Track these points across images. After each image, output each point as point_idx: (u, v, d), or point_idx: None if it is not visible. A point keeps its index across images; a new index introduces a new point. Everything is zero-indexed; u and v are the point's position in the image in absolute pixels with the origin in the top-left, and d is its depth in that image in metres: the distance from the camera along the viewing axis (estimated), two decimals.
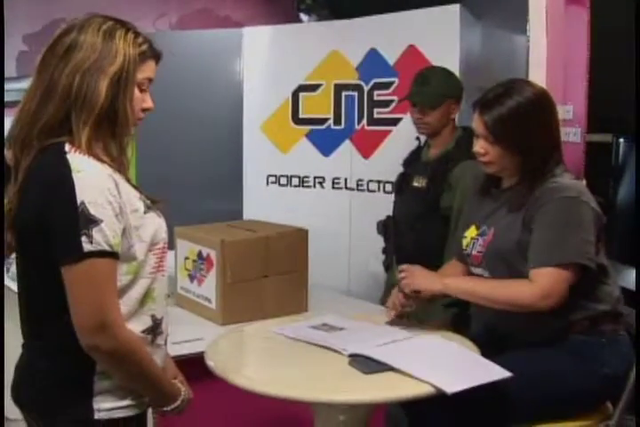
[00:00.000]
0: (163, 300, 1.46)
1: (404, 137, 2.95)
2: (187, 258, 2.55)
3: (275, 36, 3.61)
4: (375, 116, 3.28)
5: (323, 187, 3.47)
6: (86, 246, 1.26)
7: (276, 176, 3.59)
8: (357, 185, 3.36)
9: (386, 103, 3.21)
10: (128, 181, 1.39)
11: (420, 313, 2.06)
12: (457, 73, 2.73)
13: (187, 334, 2.20)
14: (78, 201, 1.27)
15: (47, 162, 1.32)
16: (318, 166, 3.47)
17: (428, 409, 1.78)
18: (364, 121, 3.32)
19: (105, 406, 1.36)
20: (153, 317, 1.42)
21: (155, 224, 1.41)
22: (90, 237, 1.26)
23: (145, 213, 1.39)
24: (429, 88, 2.54)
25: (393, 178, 2.85)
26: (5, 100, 2.26)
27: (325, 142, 3.46)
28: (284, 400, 1.60)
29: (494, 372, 1.64)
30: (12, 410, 1.55)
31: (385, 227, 2.80)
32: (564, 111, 2.56)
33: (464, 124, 2.50)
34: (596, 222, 1.83)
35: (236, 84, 3.64)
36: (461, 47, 2.92)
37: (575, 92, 2.61)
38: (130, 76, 1.36)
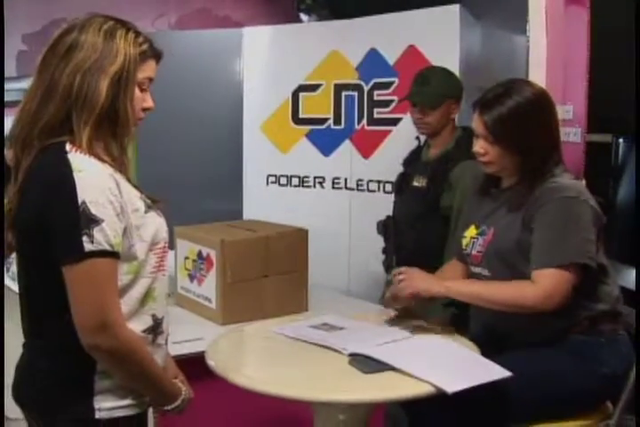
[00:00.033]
0: (163, 299, 1.46)
1: (403, 137, 2.95)
2: (187, 258, 2.55)
3: (275, 36, 3.61)
4: (375, 116, 3.28)
5: (323, 187, 3.47)
6: (87, 246, 1.26)
7: (275, 176, 3.59)
8: (357, 185, 3.36)
9: (386, 103, 3.21)
10: (129, 180, 1.39)
11: (419, 312, 2.06)
12: (457, 73, 2.73)
13: (187, 334, 2.20)
14: (79, 201, 1.27)
15: (48, 161, 1.33)
16: (318, 166, 3.48)
17: (427, 409, 1.78)
18: (364, 121, 3.33)
19: (105, 405, 1.36)
20: (154, 316, 1.42)
21: (155, 224, 1.41)
22: (91, 236, 1.27)
23: (146, 212, 1.39)
24: (429, 88, 2.54)
25: (393, 178, 2.86)
26: (5, 99, 2.26)
27: (325, 142, 3.46)
28: (284, 400, 1.60)
29: (494, 371, 1.64)
30: (12, 409, 1.55)
31: (385, 227, 2.80)
32: (563, 111, 2.56)
33: (464, 124, 2.50)
34: (595, 222, 1.83)
35: (235, 84, 3.64)
36: (461, 47, 2.92)
37: (575, 92, 2.61)
38: (130, 76, 1.36)
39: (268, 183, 3.61)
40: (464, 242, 2.02)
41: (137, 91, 1.39)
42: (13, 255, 1.45)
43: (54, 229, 1.29)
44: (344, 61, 3.37)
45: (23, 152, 1.36)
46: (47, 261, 1.31)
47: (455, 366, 1.72)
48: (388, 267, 2.82)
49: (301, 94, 3.50)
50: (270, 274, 2.47)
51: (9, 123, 1.43)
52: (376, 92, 3.26)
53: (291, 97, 3.52)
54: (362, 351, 1.74)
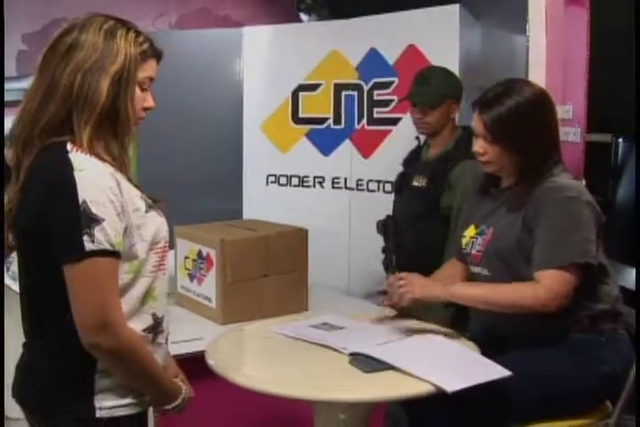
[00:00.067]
0: (163, 298, 1.46)
1: (403, 137, 2.96)
2: (187, 257, 2.56)
3: (275, 36, 3.61)
4: (375, 115, 3.28)
5: (322, 186, 3.48)
6: (88, 246, 1.26)
7: (275, 176, 3.60)
8: (357, 185, 3.36)
9: (385, 103, 3.22)
10: (129, 180, 1.39)
11: (419, 312, 2.06)
12: (456, 73, 2.73)
13: (187, 334, 2.21)
14: (80, 200, 1.27)
15: (49, 161, 1.33)
16: (318, 166, 3.48)
17: (427, 408, 1.78)
18: (364, 121, 3.33)
19: (106, 404, 1.36)
20: (154, 315, 1.42)
21: (156, 223, 1.41)
22: (92, 236, 1.27)
23: (146, 212, 1.39)
24: (430, 88, 2.55)
25: (393, 178, 2.86)
26: (5, 99, 2.26)
27: (325, 142, 3.46)
28: (284, 399, 1.61)
29: (494, 371, 1.65)
30: (12, 409, 1.56)
31: (385, 226, 2.80)
32: (563, 111, 2.56)
33: (464, 124, 2.50)
34: (595, 221, 1.84)
35: (235, 83, 3.64)
36: (461, 47, 2.92)
37: (575, 91, 2.61)
38: (131, 76, 1.36)
39: (267, 183, 3.61)
40: (464, 242, 2.02)
41: (137, 90, 1.39)
42: (13, 255, 1.45)
43: (55, 229, 1.29)
44: (344, 61, 3.37)
45: (24, 152, 1.36)
46: (48, 261, 1.31)
47: (455, 365, 1.72)
48: (387, 266, 2.82)
49: (301, 94, 3.50)
50: (270, 274, 2.47)
51: (9, 122, 1.43)
52: (376, 92, 3.26)
53: (290, 97, 3.52)
54: (362, 351, 1.75)
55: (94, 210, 1.27)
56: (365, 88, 3.30)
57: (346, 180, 3.40)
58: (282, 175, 3.58)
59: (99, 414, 1.35)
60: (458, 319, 2.17)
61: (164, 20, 4.65)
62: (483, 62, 2.93)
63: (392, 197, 2.82)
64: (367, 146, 3.32)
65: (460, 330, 1.97)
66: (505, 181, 1.99)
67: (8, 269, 2.44)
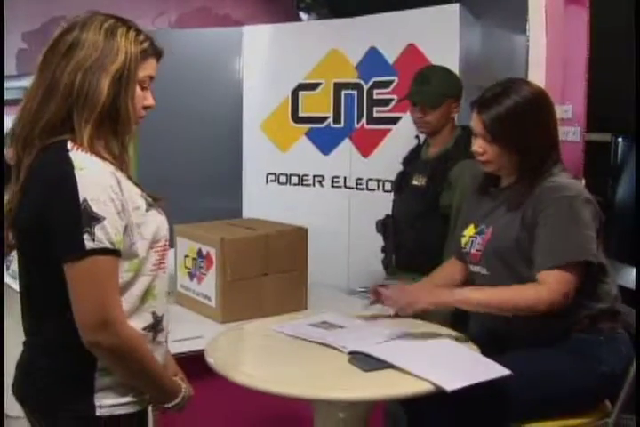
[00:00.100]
0: (163, 297, 1.46)
1: (403, 136, 2.96)
2: (186, 256, 2.56)
3: (274, 35, 3.61)
4: (375, 114, 3.28)
5: (322, 185, 3.48)
6: (88, 244, 1.27)
7: (275, 175, 3.60)
8: (357, 184, 3.36)
9: (385, 102, 3.21)
10: (130, 178, 1.39)
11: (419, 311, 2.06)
12: (456, 72, 2.73)
13: (187, 332, 2.21)
14: (81, 198, 1.27)
15: (49, 160, 1.33)
16: (318, 165, 3.48)
17: (427, 407, 1.78)
18: (364, 120, 3.33)
19: (106, 402, 1.36)
20: (154, 314, 1.42)
21: (156, 222, 1.42)
22: (92, 234, 1.27)
23: (147, 210, 1.39)
24: (430, 87, 2.55)
25: (392, 177, 2.86)
26: (5, 97, 2.26)
27: (325, 141, 3.46)
28: (283, 398, 1.61)
29: (494, 370, 1.65)
30: (12, 407, 1.56)
31: (384, 226, 2.80)
32: (562, 110, 2.56)
33: (463, 124, 2.51)
34: (595, 220, 1.84)
35: (235, 82, 3.64)
36: (461, 46, 2.92)
37: (574, 91, 2.62)
38: (131, 74, 1.37)
39: (267, 182, 3.61)
40: (463, 241, 2.02)
41: (138, 89, 1.39)
42: (13, 253, 1.46)
43: (55, 228, 1.29)
44: (344, 60, 3.37)
45: (24, 151, 1.36)
46: (48, 260, 1.31)
47: (454, 364, 1.72)
48: (387, 266, 2.82)
49: (301, 93, 3.50)
50: (270, 272, 2.47)
51: (9, 121, 1.43)
52: (376, 91, 3.26)
53: (290, 96, 3.52)
54: (361, 349, 1.75)
55: (95, 208, 1.27)
56: (365, 87, 3.30)
57: (345, 179, 3.40)
58: (281, 174, 3.58)
59: (99, 412, 1.35)
60: (458, 319, 2.17)
61: (163, 18, 4.66)
62: (482, 62, 2.93)
63: (391, 196, 2.82)
64: (367, 145, 3.32)
65: (460, 330, 1.97)
66: (504, 180, 1.99)
67: (8, 268, 2.44)
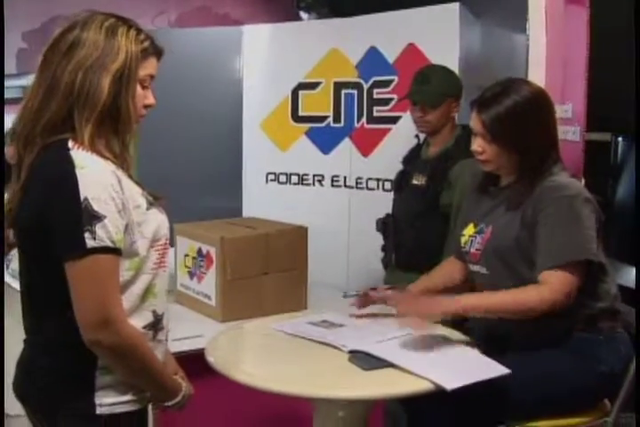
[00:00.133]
0: (164, 295, 1.47)
1: (403, 135, 2.96)
2: (186, 255, 2.56)
3: (274, 34, 3.61)
4: (375, 114, 3.28)
5: (322, 185, 3.47)
6: (89, 242, 1.27)
7: (275, 174, 3.60)
8: (357, 183, 3.36)
9: (385, 101, 3.21)
10: (130, 177, 1.39)
11: None
12: (456, 71, 2.73)
13: (187, 331, 2.21)
14: (82, 197, 1.27)
15: (50, 159, 1.33)
16: (317, 164, 3.48)
17: (427, 406, 1.79)
18: (364, 119, 3.33)
19: (107, 400, 1.36)
20: (154, 312, 1.43)
21: (157, 220, 1.42)
22: (93, 233, 1.27)
23: (147, 209, 1.39)
24: (430, 87, 2.55)
25: (392, 176, 2.86)
26: (6, 96, 2.27)
27: (325, 140, 3.46)
28: (283, 396, 1.61)
29: (493, 369, 1.65)
30: (12, 406, 1.56)
31: (384, 225, 2.80)
32: (562, 110, 2.56)
33: (463, 123, 2.51)
34: (595, 219, 1.84)
35: (235, 81, 3.64)
36: (461, 46, 2.92)
37: (574, 90, 2.62)
38: (132, 73, 1.37)
39: (267, 181, 3.61)
40: (463, 240, 2.02)
41: (138, 88, 1.40)
42: (13, 252, 1.46)
43: (56, 226, 1.29)
44: (344, 59, 3.37)
45: (25, 149, 1.36)
46: (49, 258, 1.31)
47: (454, 363, 1.73)
48: (387, 265, 2.82)
49: (301, 92, 3.50)
50: (270, 271, 2.47)
51: (9, 120, 1.43)
52: (376, 91, 3.26)
53: (290, 95, 3.51)
54: (361, 348, 1.75)
55: (96, 207, 1.28)
56: (365, 86, 3.30)
57: (345, 178, 3.40)
58: (281, 173, 3.58)
59: (99, 410, 1.36)
60: (458, 319, 2.17)
61: (163, 18, 4.66)
62: (482, 61, 2.93)
63: (391, 195, 2.82)
64: (367, 144, 3.32)
65: (460, 330, 1.98)
66: (504, 179, 1.99)
67: (8, 267, 2.44)
